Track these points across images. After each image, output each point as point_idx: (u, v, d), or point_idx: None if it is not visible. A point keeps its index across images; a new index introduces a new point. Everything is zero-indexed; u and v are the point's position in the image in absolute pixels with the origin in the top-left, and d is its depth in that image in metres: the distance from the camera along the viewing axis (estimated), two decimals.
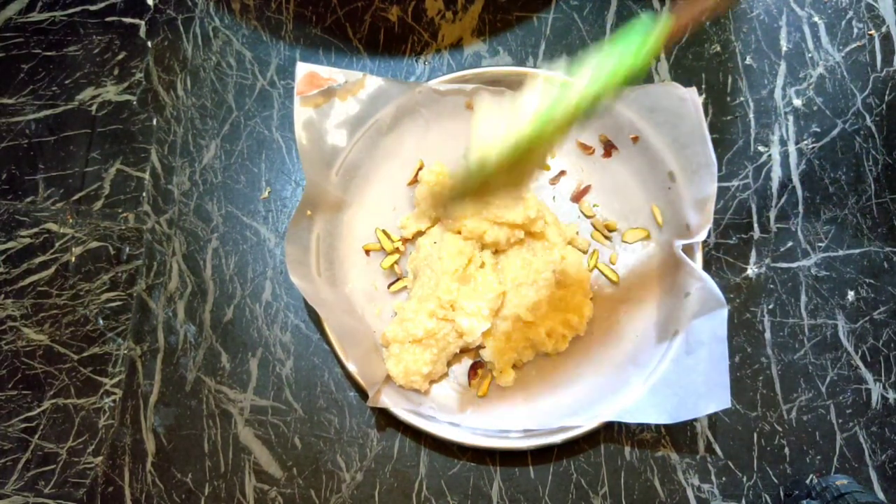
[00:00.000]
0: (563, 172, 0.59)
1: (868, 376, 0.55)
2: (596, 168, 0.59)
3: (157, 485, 0.55)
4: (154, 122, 0.63)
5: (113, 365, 0.57)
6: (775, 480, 0.53)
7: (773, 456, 0.53)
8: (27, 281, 0.60)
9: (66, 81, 0.64)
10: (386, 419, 0.55)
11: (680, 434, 0.54)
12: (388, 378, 0.53)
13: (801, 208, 0.58)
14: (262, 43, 0.64)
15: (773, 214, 0.58)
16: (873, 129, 0.60)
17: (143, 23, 0.65)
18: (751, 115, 0.60)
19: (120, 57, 0.64)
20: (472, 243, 0.54)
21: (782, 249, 0.57)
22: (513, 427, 0.52)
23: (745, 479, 0.53)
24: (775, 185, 0.59)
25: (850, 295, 0.56)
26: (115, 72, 0.64)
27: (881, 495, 0.53)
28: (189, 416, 0.56)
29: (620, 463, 0.54)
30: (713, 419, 0.54)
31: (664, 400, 0.50)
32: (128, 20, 0.65)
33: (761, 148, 0.60)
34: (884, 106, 0.60)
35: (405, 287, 0.57)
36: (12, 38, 0.65)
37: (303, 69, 0.55)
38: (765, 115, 0.60)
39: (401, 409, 0.52)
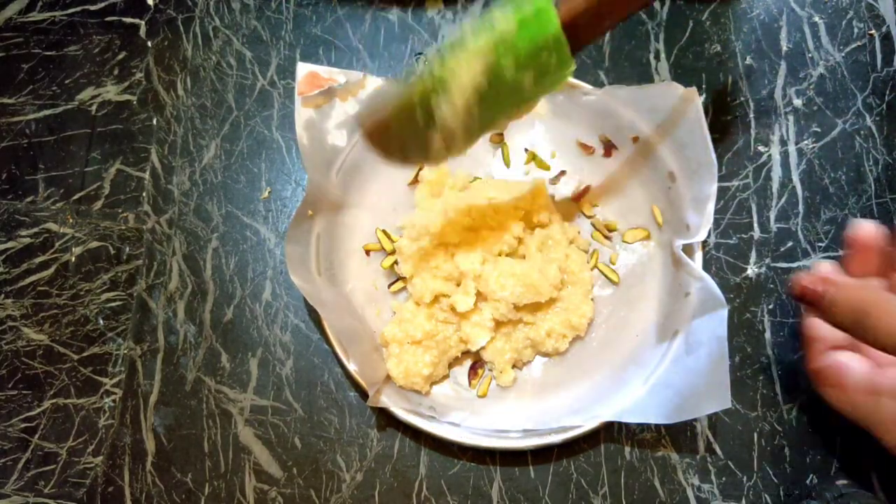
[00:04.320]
0: (563, 172, 0.59)
1: None
2: (596, 168, 0.59)
3: (157, 485, 0.55)
4: (154, 121, 0.63)
5: (113, 365, 0.57)
6: (775, 480, 0.53)
7: (773, 456, 0.53)
8: (27, 281, 0.60)
9: (66, 81, 0.64)
10: (386, 419, 0.55)
11: (680, 434, 0.54)
12: (389, 378, 0.53)
13: (801, 208, 0.58)
14: (262, 43, 0.64)
15: (773, 214, 0.58)
16: (873, 129, 0.59)
17: (143, 23, 0.65)
18: (751, 115, 0.60)
19: (120, 57, 0.64)
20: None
21: (782, 249, 0.57)
22: (513, 427, 0.52)
23: (745, 479, 0.53)
24: (775, 185, 0.59)
25: None
26: (115, 72, 0.64)
27: (881, 495, 0.53)
28: (189, 416, 0.56)
29: (620, 463, 0.54)
30: (713, 419, 0.54)
31: (664, 400, 0.50)
32: (128, 20, 0.65)
33: (761, 148, 0.60)
34: (884, 106, 0.60)
35: (405, 287, 0.57)
36: (12, 38, 0.65)
37: (303, 69, 0.55)
38: (765, 115, 0.60)
39: (401, 409, 0.52)
